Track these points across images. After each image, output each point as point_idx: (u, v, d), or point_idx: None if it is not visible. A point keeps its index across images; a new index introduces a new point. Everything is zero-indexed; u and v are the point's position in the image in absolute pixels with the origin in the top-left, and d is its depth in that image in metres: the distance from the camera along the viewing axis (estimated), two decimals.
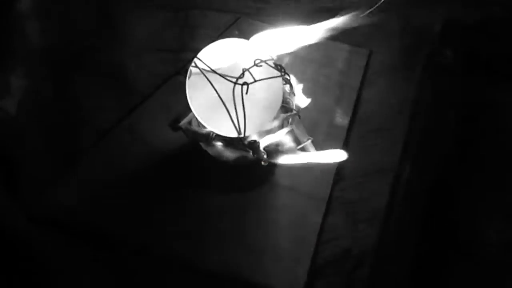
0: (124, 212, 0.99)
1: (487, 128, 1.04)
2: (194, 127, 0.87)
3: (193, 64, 0.82)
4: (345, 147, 1.04)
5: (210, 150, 0.91)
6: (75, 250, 0.98)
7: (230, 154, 0.89)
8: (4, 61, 1.02)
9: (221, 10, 1.12)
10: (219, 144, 0.87)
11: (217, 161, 0.93)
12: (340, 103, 1.06)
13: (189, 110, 0.82)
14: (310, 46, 1.05)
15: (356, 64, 1.09)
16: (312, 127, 1.03)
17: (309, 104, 0.96)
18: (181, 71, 1.06)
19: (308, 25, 1.04)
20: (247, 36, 1.06)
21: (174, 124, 0.89)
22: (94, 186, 1.01)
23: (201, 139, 0.87)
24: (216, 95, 0.80)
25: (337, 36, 1.08)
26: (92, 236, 0.98)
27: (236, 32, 1.10)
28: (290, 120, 0.89)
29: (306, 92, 1.00)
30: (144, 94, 1.06)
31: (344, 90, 1.07)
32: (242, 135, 0.79)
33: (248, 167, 0.93)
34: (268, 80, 0.81)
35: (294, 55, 1.01)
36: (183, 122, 0.89)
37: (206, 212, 0.99)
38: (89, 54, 1.08)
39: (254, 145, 0.81)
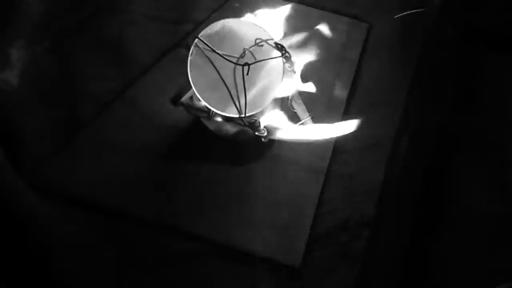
0: (124, 183, 1.01)
1: (486, 101, 1.05)
2: (195, 103, 0.88)
3: (194, 44, 0.82)
4: (344, 118, 1.05)
5: (210, 125, 0.92)
6: (75, 219, 1.00)
7: (230, 129, 0.90)
8: (4, 32, 1.01)
9: None
10: (219, 119, 0.88)
11: (218, 136, 0.94)
12: (339, 76, 1.07)
13: (190, 86, 0.83)
14: (310, 19, 1.05)
15: (355, 37, 1.09)
16: (311, 100, 1.03)
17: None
18: (182, 43, 1.06)
19: None
20: (247, 8, 1.06)
21: (176, 100, 0.90)
22: (95, 157, 1.02)
23: (202, 115, 0.88)
24: (218, 75, 0.80)
25: (337, 9, 1.09)
26: (92, 206, 0.99)
27: (237, 4, 1.09)
28: (290, 97, 0.90)
29: (306, 65, 1.01)
30: (144, 65, 1.06)
31: (344, 63, 1.07)
32: (243, 115, 0.80)
33: (248, 141, 0.94)
34: (269, 60, 0.82)
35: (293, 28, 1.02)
36: (185, 98, 0.90)
37: (205, 184, 1.01)
38: (88, 23, 1.07)
39: (255, 124, 0.82)
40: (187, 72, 0.82)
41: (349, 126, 0.90)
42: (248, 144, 0.99)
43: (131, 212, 0.99)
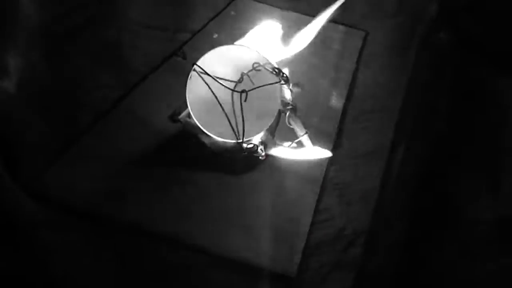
0: (122, 192, 1.01)
1: (480, 109, 1.05)
2: (193, 120, 0.89)
3: (193, 69, 0.82)
4: (339, 129, 1.06)
5: (207, 140, 0.93)
6: (73, 228, 1.00)
7: (226, 144, 0.91)
8: (1, 41, 1.01)
9: None
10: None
11: (214, 150, 0.94)
12: (335, 85, 1.07)
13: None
14: (306, 27, 1.05)
15: (351, 45, 1.09)
16: (307, 109, 1.04)
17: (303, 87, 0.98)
18: (178, 52, 1.07)
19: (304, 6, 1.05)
20: (243, 16, 1.07)
21: (174, 117, 0.90)
22: (93, 166, 1.03)
23: (199, 132, 0.89)
24: (216, 100, 0.81)
25: (333, 17, 1.09)
26: (89, 214, 1.00)
27: (233, 13, 1.09)
28: (287, 113, 0.90)
29: (302, 74, 1.02)
30: (141, 73, 1.07)
31: (340, 72, 1.08)
32: (241, 140, 0.81)
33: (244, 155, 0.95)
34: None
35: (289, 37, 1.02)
36: (182, 115, 0.90)
37: (202, 194, 1.01)
38: (85, 31, 1.07)
39: (252, 149, 0.83)
40: (185, 94, 0.82)
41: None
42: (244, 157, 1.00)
43: (128, 221, 1.00)
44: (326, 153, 0.93)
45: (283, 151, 0.89)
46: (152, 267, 0.99)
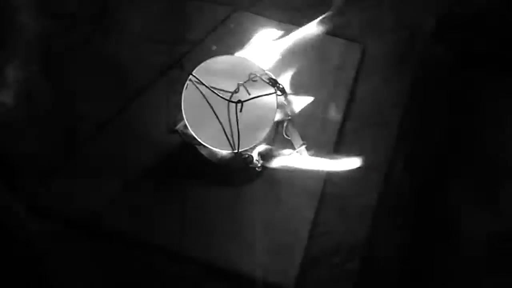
0: (120, 204, 1.01)
1: (479, 122, 1.05)
2: (190, 131, 0.89)
3: (189, 79, 0.82)
4: (337, 142, 1.05)
5: (204, 152, 0.93)
6: (72, 240, 1.00)
7: (224, 155, 0.91)
8: (2, 54, 1.01)
9: (217, 2, 1.12)
10: None
11: (211, 161, 0.94)
12: (333, 98, 1.07)
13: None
14: (305, 40, 1.05)
15: (350, 59, 1.09)
16: (305, 122, 1.04)
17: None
18: (177, 65, 1.07)
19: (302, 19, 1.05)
20: (242, 29, 1.07)
21: (171, 128, 0.90)
22: (92, 178, 1.03)
23: (196, 142, 0.88)
24: (211, 110, 0.81)
25: (331, 31, 1.09)
26: (88, 227, 1.00)
27: (232, 25, 1.09)
28: (285, 125, 0.90)
29: (300, 86, 1.02)
30: (140, 85, 1.07)
31: (338, 85, 1.07)
32: (236, 151, 0.81)
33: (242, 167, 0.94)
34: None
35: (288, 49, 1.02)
36: (179, 126, 0.90)
37: (200, 207, 1.02)
38: (85, 44, 1.08)
39: (248, 159, 0.83)
40: (180, 90, 0.83)
41: (342, 164, 0.90)
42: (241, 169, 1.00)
43: (126, 232, 1.00)
44: (324, 166, 0.92)
45: (281, 161, 0.89)
46: (149, 279, 0.99)
